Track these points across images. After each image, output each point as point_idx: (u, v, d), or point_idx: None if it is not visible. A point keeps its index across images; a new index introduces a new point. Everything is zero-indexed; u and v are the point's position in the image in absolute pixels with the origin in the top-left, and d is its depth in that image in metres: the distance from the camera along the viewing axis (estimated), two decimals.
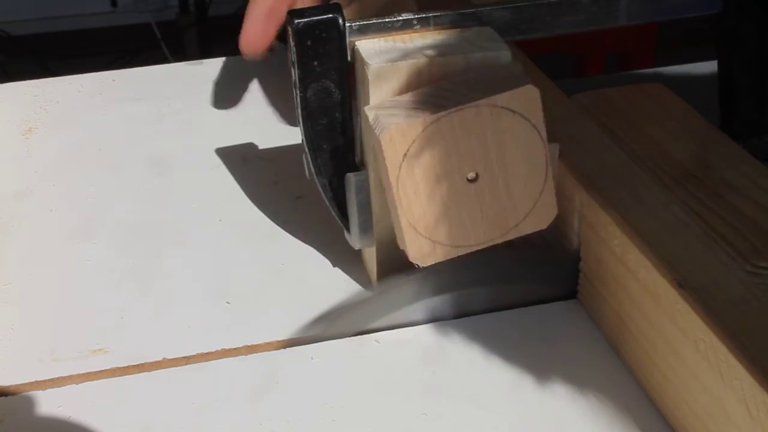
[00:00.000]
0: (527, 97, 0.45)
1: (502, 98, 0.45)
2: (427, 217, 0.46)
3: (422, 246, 0.47)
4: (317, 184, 0.51)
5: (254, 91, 0.76)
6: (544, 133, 0.46)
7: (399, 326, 0.51)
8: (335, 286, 0.54)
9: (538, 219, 0.48)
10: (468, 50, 0.48)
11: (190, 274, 0.56)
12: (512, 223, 0.48)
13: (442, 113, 0.45)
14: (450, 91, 0.46)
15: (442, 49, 0.48)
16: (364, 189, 0.50)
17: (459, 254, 0.48)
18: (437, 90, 0.47)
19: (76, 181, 0.66)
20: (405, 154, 0.45)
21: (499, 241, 0.48)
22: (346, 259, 0.56)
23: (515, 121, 0.46)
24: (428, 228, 0.47)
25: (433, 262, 0.48)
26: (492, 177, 0.47)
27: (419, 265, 0.48)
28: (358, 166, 0.51)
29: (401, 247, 0.48)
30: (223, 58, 0.81)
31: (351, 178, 0.50)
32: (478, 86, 0.46)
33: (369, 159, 0.50)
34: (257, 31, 0.57)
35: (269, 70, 0.78)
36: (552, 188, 0.48)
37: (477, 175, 0.46)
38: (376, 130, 0.46)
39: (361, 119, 0.50)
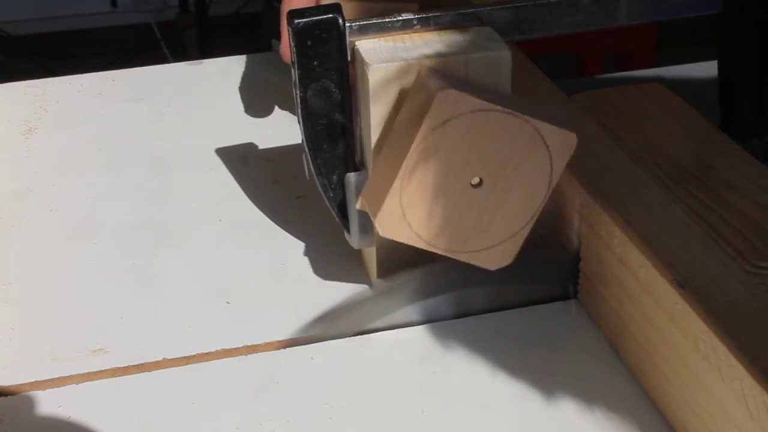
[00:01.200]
0: (566, 142, 0.45)
1: (547, 127, 0.44)
2: (417, 196, 0.46)
3: (394, 217, 0.46)
4: (317, 184, 0.51)
5: (254, 91, 0.76)
6: (553, 183, 0.46)
7: (399, 326, 0.51)
8: (335, 286, 0.54)
9: (493, 257, 0.47)
10: (468, 50, 0.48)
11: (190, 274, 0.56)
12: (476, 246, 0.47)
13: (498, 108, 0.44)
14: (504, 100, 0.45)
15: (442, 49, 0.48)
16: None
17: (416, 246, 0.47)
18: (492, 92, 0.46)
19: (76, 181, 0.66)
20: (445, 122, 0.44)
21: (454, 256, 0.47)
22: (346, 259, 0.56)
23: (542, 157, 0.45)
24: (411, 206, 0.46)
25: (391, 238, 0.46)
26: (491, 193, 0.46)
27: (379, 231, 0.46)
28: (358, 166, 0.51)
29: (365, 208, 0.47)
30: (223, 58, 0.81)
31: (351, 178, 0.50)
32: (533, 109, 0.45)
33: (369, 159, 0.50)
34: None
35: (269, 70, 0.78)
36: (523, 238, 0.47)
37: (480, 182, 0.46)
38: (429, 81, 0.44)
39: (362, 119, 0.50)
